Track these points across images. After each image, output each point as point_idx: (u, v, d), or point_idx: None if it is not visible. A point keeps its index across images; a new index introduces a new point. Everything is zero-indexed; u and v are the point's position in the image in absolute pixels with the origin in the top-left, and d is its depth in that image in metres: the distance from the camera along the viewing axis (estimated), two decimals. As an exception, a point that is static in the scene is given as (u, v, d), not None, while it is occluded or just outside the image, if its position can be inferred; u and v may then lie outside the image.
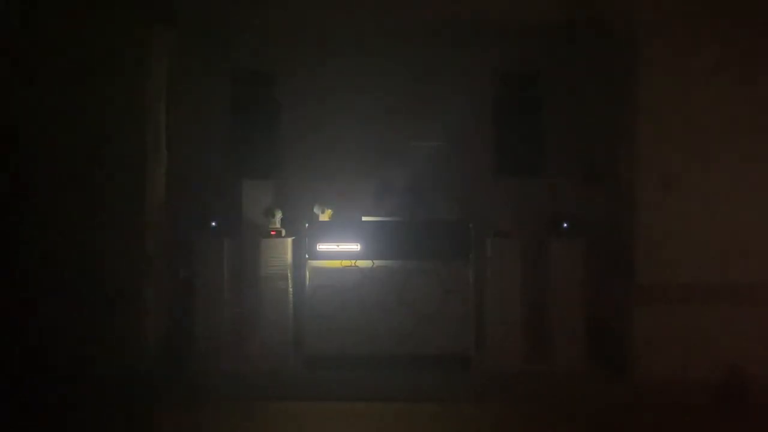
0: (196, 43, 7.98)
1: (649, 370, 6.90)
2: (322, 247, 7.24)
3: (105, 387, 6.68)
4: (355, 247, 7.22)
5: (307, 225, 7.34)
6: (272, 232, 7.38)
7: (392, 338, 7.19)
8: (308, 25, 7.89)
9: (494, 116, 7.58)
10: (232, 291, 7.46)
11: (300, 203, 7.85)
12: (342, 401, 6.68)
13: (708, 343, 6.86)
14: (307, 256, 7.28)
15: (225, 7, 7.32)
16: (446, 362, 7.15)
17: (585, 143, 8.30)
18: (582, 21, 7.51)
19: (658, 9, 7.03)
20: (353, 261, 7.25)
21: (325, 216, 7.57)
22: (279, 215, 7.45)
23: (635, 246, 7.09)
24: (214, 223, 7.36)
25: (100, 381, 6.73)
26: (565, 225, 7.37)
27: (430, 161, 8.34)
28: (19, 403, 6.47)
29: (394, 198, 7.81)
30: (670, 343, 6.91)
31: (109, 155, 7.00)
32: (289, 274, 7.38)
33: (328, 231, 7.29)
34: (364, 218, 7.47)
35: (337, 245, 7.23)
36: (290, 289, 7.40)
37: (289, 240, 7.44)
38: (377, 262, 7.25)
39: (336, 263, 7.26)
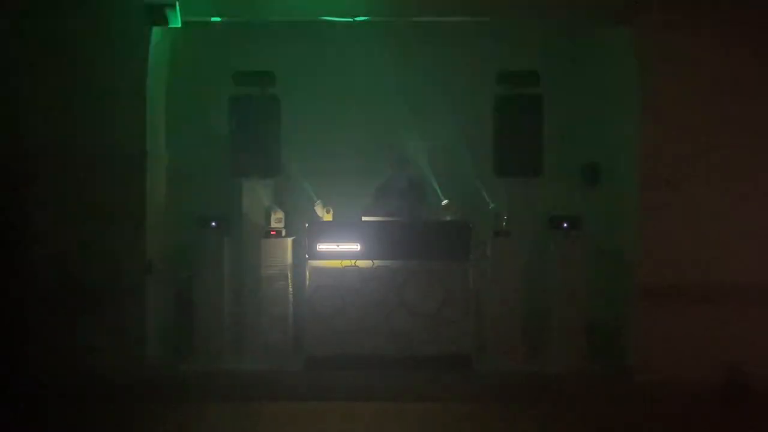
0: (196, 43, 7.98)
1: (649, 370, 6.90)
2: (322, 247, 7.23)
3: (105, 387, 6.69)
4: (355, 247, 7.22)
5: (307, 225, 7.34)
6: (272, 232, 7.37)
7: (392, 338, 7.19)
8: (308, 25, 7.90)
9: (494, 116, 7.58)
10: (232, 291, 7.46)
11: (300, 203, 7.86)
12: (342, 401, 6.68)
13: (708, 343, 6.86)
14: (307, 256, 7.28)
15: (225, 7, 7.31)
16: (446, 362, 7.15)
17: (585, 143, 8.31)
18: (582, 21, 7.52)
19: (659, 9, 7.03)
20: (353, 261, 7.25)
21: (328, 216, 7.56)
22: (280, 215, 7.44)
23: (635, 246, 7.09)
24: (214, 223, 7.35)
25: (100, 381, 6.73)
26: (565, 225, 7.36)
27: (430, 161, 8.34)
28: (17, 404, 6.47)
29: (394, 198, 7.80)
30: (671, 343, 6.91)
31: (109, 155, 7.00)
32: (289, 274, 7.38)
33: (328, 231, 7.29)
34: (364, 218, 7.47)
35: (337, 245, 7.23)
36: (290, 289, 7.40)
37: (289, 240, 7.44)
38: (377, 262, 7.24)
39: (336, 263, 7.26)
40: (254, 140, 7.43)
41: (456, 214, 7.52)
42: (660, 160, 7.02)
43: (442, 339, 7.18)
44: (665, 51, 7.01)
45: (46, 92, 7.01)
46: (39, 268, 6.96)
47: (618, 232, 7.50)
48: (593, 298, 7.45)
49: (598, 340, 7.44)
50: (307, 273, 7.27)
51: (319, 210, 7.53)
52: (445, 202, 7.67)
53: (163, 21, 7.06)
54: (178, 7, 6.96)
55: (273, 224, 7.38)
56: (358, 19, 7.34)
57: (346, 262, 7.26)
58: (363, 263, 7.25)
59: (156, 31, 7.14)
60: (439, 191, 8.06)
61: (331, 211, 7.59)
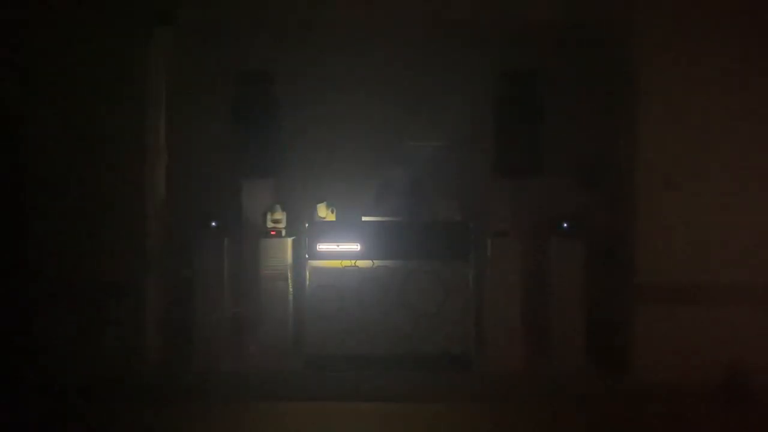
0: (196, 43, 7.98)
1: (649, 370, 6.90)
2: (322, 247, 7.23)
3: (104, 387, 6.68)
4: (355, 247, 7.22)
5: (307, 225, 7.34)
6: (272, 232, 7.36)
7: (392, 338, 7.18)
8: (308, 25, 7.89)
9: (494, 116, 7.57)
10: (232, 291, 7.46)
11: (300, 203, 7.85)
12: (342, 401, 6.68)
13: (708, 343, 6.85)
14: (307, 256, 7.27)
15: (225, 7, 7.31)
16: (446, 362, 7.15)
17: (585, 143, 8.30)
18: (582, 21, 7.52)
19: (658, 9, 7.02)
20: (353, 261, 7.25)
21: (331, 216, 7.55)
22: (280, 215, 7.42)
23: (635, 246, 7.08)
24: (214, 223, 7.35)
25: (100, 381, 6.73)
26: (565, 225, 7.36)
27: (430, 161, 8.33)
28: (18, 403, 6.47)
29: (394, 198, 7.80)
30: (670, 343, 6.91)
31: (109, 155, 7.00)
32: (289, 274, 7.38)
33: (328, 231, 7.28)
34: (364, 218, 7.46)
35: (337, 245, 7.23)
36: (290, 289, 7.39)
37: (289, 240, 7.43)
38: (377, 262, 7.24)
39: (336, 263, 7.25)
40: (254, 140, 7.42)
41: (456, 214, 7.52)
42: (660, 159, 7.01)
43: (442, 339, 7.17)
44: (665, 50, 7.00)
45: (45, 91, 7.00)
46: (39, 267, 6.95)
47: (618, 232, 7.49)
48: (593, 298, 7.44)
49: (598, 340, 7.43)
50: (307, 273, 7.26)
51: (323, 210, 7.51)
52: (449, 201, 7.66)
53: (164, 20, 7.07)
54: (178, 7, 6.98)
55: (273, 224, 7.37)
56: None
57: (346, 262, 7.25)
58: (363, 263, 7.25)
59: (157, 30, 7.13)
60: (440, 191, 8.06)
61: (335, 211, 7.58)
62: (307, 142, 8.35)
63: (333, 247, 7.22)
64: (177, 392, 6.77)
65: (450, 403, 6.68)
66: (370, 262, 7.25)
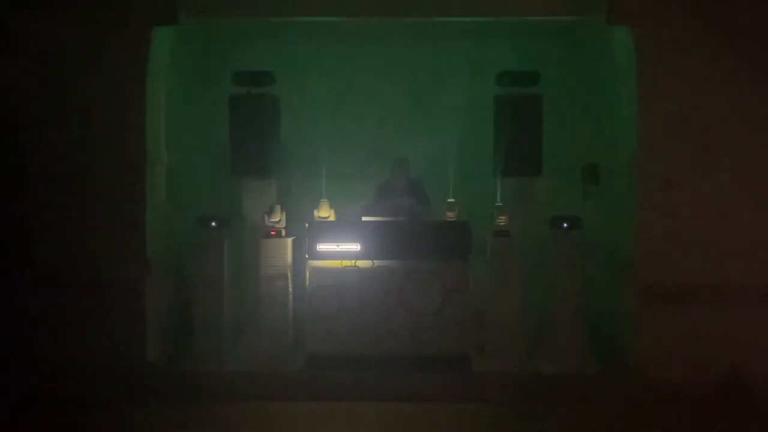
0: (196, 43, 7.98)
1: (649, 370, 6.90)
2: (322, 247, 7.23)
3: (104, 387, 6.69)
4: (355, 247, 7.22)
5: (307, 225, 7.34)
6: (272, 232, 7.37)
7: (392, 338, 7.18)
8: (308, 25, 7.90)
9: (494, 116, 7.58)
10: (232, 291, 7.46)
11: (300, 203, 7.85)
12: (342, 401, 6.68)
13: (708, 343, 6.85)
14: (307, 256, 7.27)
15: (225, 7, 7.31)
16: (446, 362, 7.15)
17: (585, 143, 8.32)
18: (582, 20, 7.52)
19: (658, 8, 7.03)
20: (353, 261, 7.25)
21: (332, 216, 7.55)
22: (280, 215, 7.42)
23: (635, 246, 7.09)
24: (214, 223, 7.35)
25: (100, 381, 6.73)
26: (565, 225, 7.36)
27: (429, 161, 8.34)
28: (18, 403, 6.47)
29: (395, 198, 7.80)
30: (671, 343, 6.91)
31: (110, 155, 7.00)
32: (289, 274, 7.38)
33: (328, 231, 7.29)
34: (364, 218, 7.46)
35: (337, 245, 7.22)
36: (290, 289, 7.40)
37: (289, 240, 7.43)
38: (377, 262, 7.24)
39: (336, 263, 7.25)
40: (254, 140, 7.42)
41: (456, 213, 7.52)
42: (659, 159, 7.01)
43: (442, 339, 7.17)
44: (665, 49, 7.00)
45: (45, 91, 7.01)
46: (38, 267, 6.95)
47: (618, 232, 7.50)
48: (593, 298, 7.44)
49: (598, 340, 7.43)
50: (307, 273, 7.27)
51: (325, 210, 7.50)
52: (450, 200, 7.66)
53: (164, 20, 7.08)
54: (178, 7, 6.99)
55: (273, 224, 7.37)
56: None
57: (346, 262, 7.25)
58: (363, 263, 7.25)
59: (157, 30, 7.14)
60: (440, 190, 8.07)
61: (333, 211, 7.58)
62: (308, 142, 8.36)
63: (333, 247, 7.22)
64: (177, 392, 6.78)
65: (450, 403, 6.68)
66: (370, 262, 7.25)
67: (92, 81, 7.00)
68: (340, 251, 7.23)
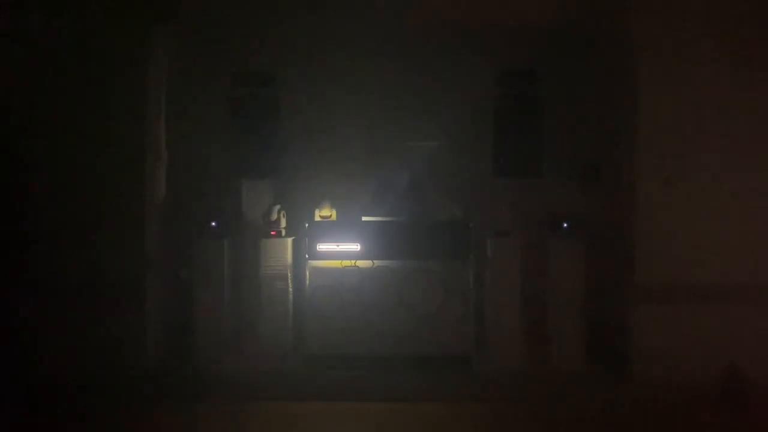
0: (196, 43, 7.98)
1: (649, 369, 6.90)
2: (322, 247, 7.23)
3: (105, 387, 6.68)
4: (355, 247, 7.22)
5: (307, 225, 7.33)
6: (272, 232, 7.36)
7: (392, 338, 7.18)
8: (308, 25, 7.90)
9: (494, 116, 7.57)
10: (232, 291, 7.46)
11: (300, 203, 7.85)
12: (342, 401, 6.68)
13: (708, 343, 6.85)
14: (307, 256, 7.27)
15: (225, 7, 7.31)
16: (446, 362, 7.15)
17: (585, 143, 8.31)
18: (582, 20, 7.52)
19: (658, 8, 7.03)
20: (353, 261, 7.25)
21: (330, 217, 7.55)
22: (280, 215, 7.42)
23: (635, 246, 7.08)
24: (214, 223, 7.34)
25: (100, 381, 6.73)
26: (565, 225, 7.36)
27: (429, 161, 8.33)
28: (18, 404, 6.46)
29: (394, 198, 7.80)
30: (671, 343, 6.91)
31: (109, 155, 7.00)
32: (289, 274, 7.38)
33: (328, 231, 7.28)
34: (364, 218, 7.46)
35: (337, 245, 7.23)
36: (290, 289, 7.39)
37: (289, 240, 7.43)
38: (377, 262, 7.24)
39: (336, 263, 7.25)
40: (254, 140, 7.41)
41: (456, 213, 7.52)
42: (659, 158, 7.01)
43: (442, 339, 7.17)
44: (663, 48, 7.00)
45: (45, 91, 7.00)
46: (38, 267, 6.95)
47: (617, 231, 7.49)
48: (593, 298, 7.44)
49: (598, 340, 7.43)
50: (307, 273, 7.26)
51: (327, 210, 7.50)
52: (449, 201, 7.67)
53: (165, 20, 7.08)
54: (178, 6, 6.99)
55: (273, 224, 7.37)
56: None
57: (346, 262, 7.25)
58: (363, 263, 7.25)
59: (157, 30, 7.13)
60: (440, 191, 8.07)
61: (335, 211, 7.58)
62: (307, 142, 8.35)
63: (333, 247, 7.22)
64: (177, 392, 6.77)
65: (450, 403, 6.68)
66: (370, 262, 7.25)
67: (92, 81, 6.99)
68: (340, 251, 7.23)
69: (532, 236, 7.53)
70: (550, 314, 7.38)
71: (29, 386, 6.66)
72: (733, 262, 6.93)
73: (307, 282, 7.26)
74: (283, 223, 7.38)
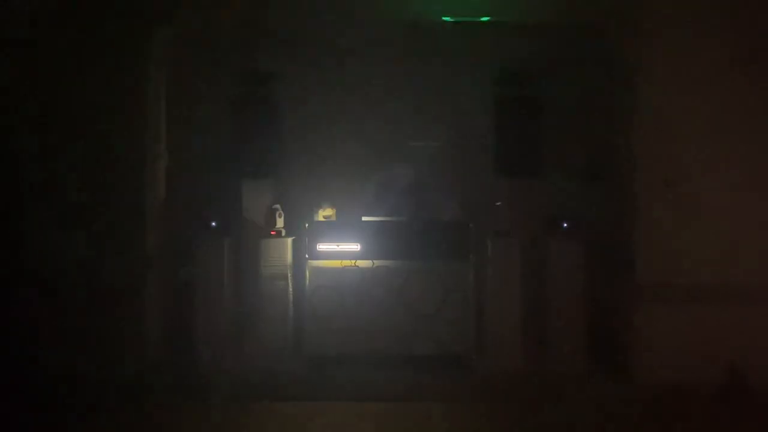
0: (196, 43, 7.98)
1: (649, 370, 6.90)
2: (322, 247, 7.23)
3: (104, 387, 6.69)
4: (355, 247, 7.22)
5: (307, 225, 7.34)
6: (272, 232, 7.37)
7: (392, 338, 7.18)
8: (308, 25, 7.90)
9: (494, 116, 7.58)
10: (232, 291, 7.46)
11: (300, 203, 7.85)
12: (342, 401, 6.68)
13: (708, 343, 6.85)
14: (307, 256, 7.27)
15: (225, 7, 7.31)
16: (446, 362, 7.15)
17: (585, 143, 8.31)
18: (582, 20, 7.52)
19: (658, 8, 7.03)
20: (353, 261, 7.25)
21: (331, 217, 7.55)
22: (280, 215, 7.42)
23: (635, 246, 7.08)
24: (214, 223, 7.35)
25: (100, 381, 6.73)
26: (565, 225, 7.36)
27: (430, 161, 8.34)
28: (17, 403, 6.47)
29: (395, 198, 7.80)
30: (671, 343, 6.91)
31: (109, 155, 7.00)
32: (289, 274, 7.38)
33: (328, 231, 7.28)
34: (364, 218, 7.46)
35: (337, 245, 7.23)
36: (290, 289, 7.40)
37: (289, 240, 7.43)
38: (377, 262, 7.24)
39: (336, 263, 7.25)
40: (254, 140, 7.41)
41: (456, 214, 7.52)
42: (659, 159, 7.01)
43: (442, 339, 7.17)
44: (663, 48, 7.00)
45: (45, 91, 7.01)
46: (38, 268, 6.96)
47: (618, 231, 7.49)
48: (593, 298, 7.44)
49: (597, 340, 7.43)
50: (307, 273, 7.26)
51: (329, 210, 7.50)
52: (449, 201, 7.68)
53: (164, 20, 7.08)
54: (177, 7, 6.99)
55: (279, 224, 7.37)
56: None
57: (346, 262, 7.25)
58: (363, 263, 7.25)
59: (157, 30, 7.14)
60: (441, 191, 8.07)
61: (334, 211, 7.58)
62: (307, 142, 8.35)
63: (333, 247, 7.23)
64: (177, 392, 6.78)
65: (450, 403, 6.68)
66: (370, 262, 7.25)
67: (92, 81, 7.00)
68: (340, 251, 7.23)
69: (532, 236, 7.53)
70: (550, 314, 7.38)
71: (29, 386, 6.66)
72: (733, 262, 6.93)
73: (307, 282, 7.26)
74: (280, 223, 7.38)
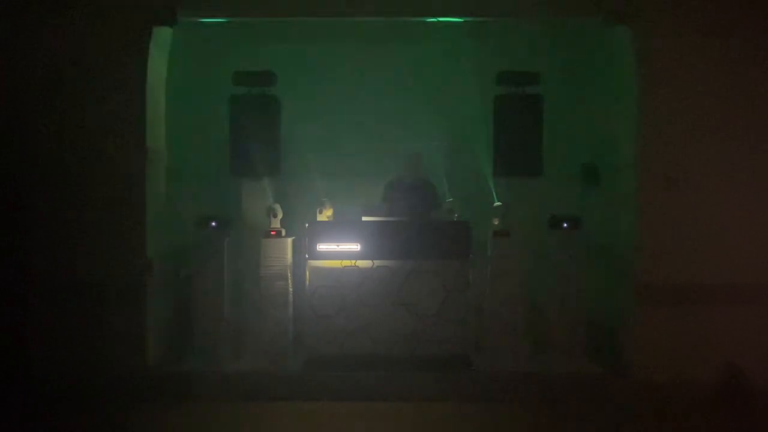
0: (196, 43, 7.98)
1: (648, 370, 6.90)
2: (322, 247, 7.23)
3: (104, 386, 6.69)
4: (355, 247, 7.22)
5: (307, 225, 7.33)
6: (272, 232, 7.37)
7: (392, 338, 7.18)
8: (309, 25, 7.89)
9: (494, 116, 7.58)
10: (232, 291, 7.46)
11: (300, 203, 7.85)
12: (342, 401, 6.68)
13: (708, 343, 6.86)
14: (307, 256, 7.27)
15: (225, 7, 7.31)
16: (446, 362, 7.15)
17: (585, 143, 8.32)
18: (581, 20, 7.52)
19: (657, 8, 7.03)
20: (353, 261, 7.25)
21: (329, 216, 7.55)
22: (280, 215, 7.42)
23: (635, 246, 7.09)
24: (214, 223, 7.35)
25: (100, 381, 6.73)
26: (565, 225, 7.36)
27: (430, 161, 8.33)
28: (17, 403, 6.47)
29: (395, 198, 7.80)
30: (670, 343, 6.92)
31: (109, 155, 7.00)
32: (289, 274, 7.38)
33: (328, 231, 7.28)
34: (364, 218, 7.46)
35: (337, 245, 7.22)
36: (290, 289, 7.40)
37: (289, 240, 7.43)
38: (377, 262, 7.24)
39: (336, 263, 7.25)
40: (254, 140, 7.41)
41: (456, 214, 7.52)
42: (660, 159, 7.02)
43: (442, 339, 7.17)
44: (664, 49, 7.01)
45: (45, 92, 7.01)
46: (39, 267, 6.96)
47: (618, 231, 7.49)
48: (593, 298, 7.44)
49: (597, 340, 7.44)
50: (307, 273, 7.26)
51: (329, 210, 7.50)
52: (449, 200, 7.67)
53: (164, 21, 7.09)
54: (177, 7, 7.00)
55: (273, 224, 7.37)
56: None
57: (346, 262, 7.25)
58: (363, 263, 7.25)
59: (156, 30, 7.14)
60: (441, 191, 8.07)
61: (332, 210, 7.58)
62: (307, 142, 8.35)
63: (333, 247, 7.22)
64: (177, 392, 6.78)
65: (450, 403, 6.69)
66: (370, 262, 7.25)
67: (92, 81, 7.00)
68: (340, 251, 7.23)
69: (532, 236, 7.53)
70: (550, 314, 7.38)
71: (29, 386, 6.66)
72: (733, 262, 6.94)
73: (307, 282, 7.26)
74: (275, 223, 7.37)
